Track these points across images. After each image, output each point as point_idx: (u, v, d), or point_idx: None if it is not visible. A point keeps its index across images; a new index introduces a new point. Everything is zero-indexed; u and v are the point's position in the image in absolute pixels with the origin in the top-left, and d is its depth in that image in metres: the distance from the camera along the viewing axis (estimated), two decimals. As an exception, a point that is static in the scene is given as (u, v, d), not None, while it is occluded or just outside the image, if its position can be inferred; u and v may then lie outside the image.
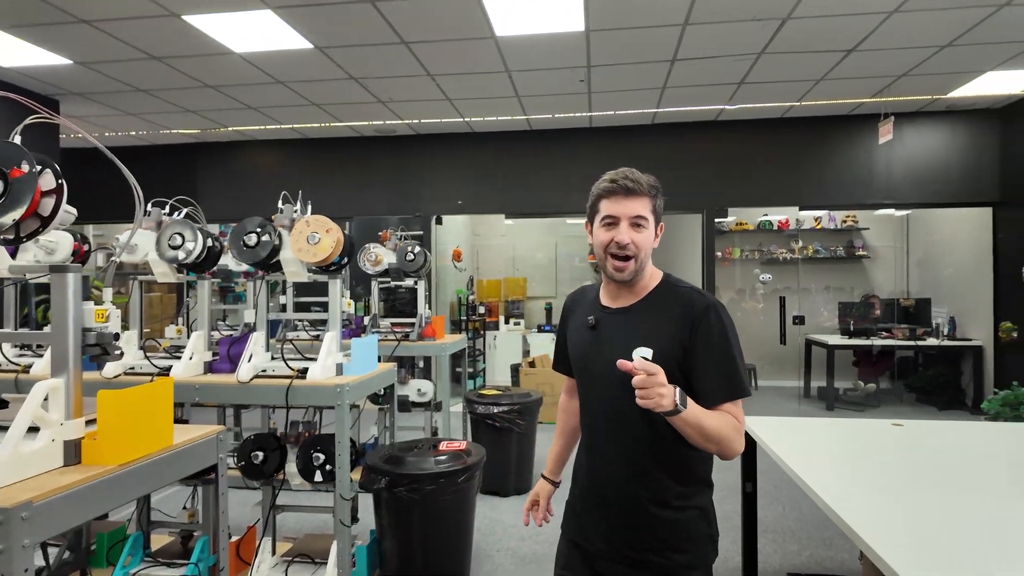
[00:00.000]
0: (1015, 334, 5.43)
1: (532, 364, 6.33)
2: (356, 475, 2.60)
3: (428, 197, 6.75)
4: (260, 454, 2.59)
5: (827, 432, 2.58)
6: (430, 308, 6.49)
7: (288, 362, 2.51)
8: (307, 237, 2.46)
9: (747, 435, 2.60)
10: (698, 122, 6.29)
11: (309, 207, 2.67)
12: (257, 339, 2.61)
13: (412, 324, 4.10)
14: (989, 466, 2.15)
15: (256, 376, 2.49)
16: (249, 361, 2.55)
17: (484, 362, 8.00)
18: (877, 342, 6.79)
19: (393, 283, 4.20)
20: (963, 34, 4.10)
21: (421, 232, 6.77)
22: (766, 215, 8.09)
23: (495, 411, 3.95)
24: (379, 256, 3.97)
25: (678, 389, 1.23)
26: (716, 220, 6.88)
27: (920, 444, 2.41)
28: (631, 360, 1.24)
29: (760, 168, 6.29)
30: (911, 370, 7.28)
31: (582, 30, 4.01)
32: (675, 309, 1.36)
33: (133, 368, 2.51)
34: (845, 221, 7.98)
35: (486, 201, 6.74)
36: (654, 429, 1.35)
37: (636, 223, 1.37)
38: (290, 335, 3.51)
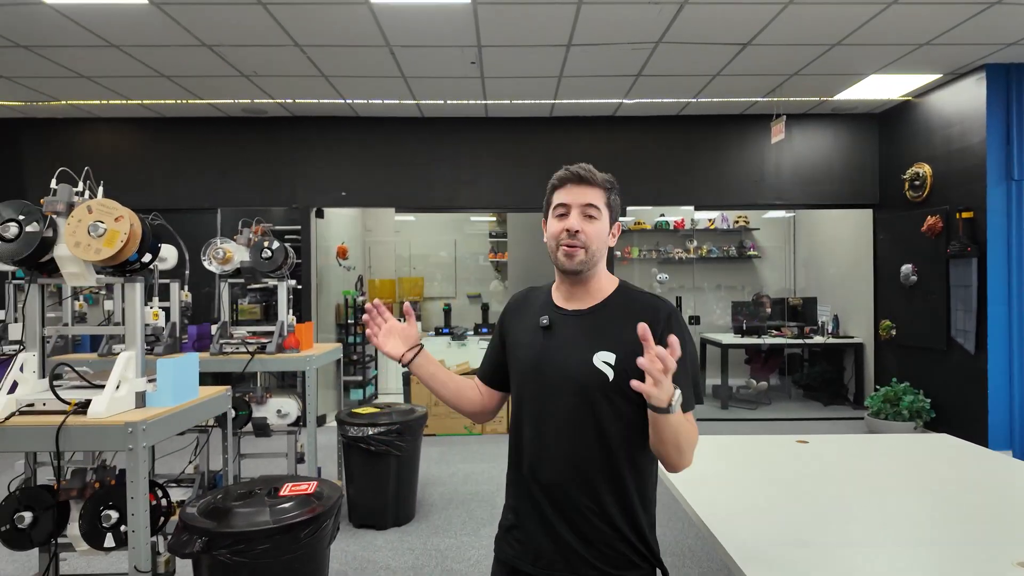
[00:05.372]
0: (894, 332, 5.61)
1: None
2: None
3: (307, 187, 6.07)
4: (27, 515, 1.95)
5: (727, 450, 2.32)
6: (298, 312, 5.85)
7: (66, 392, 1.90)
8: (88, 227, 1.85)
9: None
10: (597, 117, 6.05)
11: (100, 189, 2.06)
12: (25, 362, 1.98)
13: (271, 333, 3.51)
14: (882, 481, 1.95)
15: (17, 412, 1.86)
16: (10, 392, 1.91)
17: (376, 369, 7.40)
18: (768, 340, 6.90)
19: (249, 285, 3.58)
20: (851, 33, 4.07)
21: (299, 227, 6.08)
22: (663, 215, 8.08)
23: (370, 433, 3.43)
24: (228, 253, 3.34)
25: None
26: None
27: (822, 461, 2.19)
28: (591, 365, 1.26)
29: (657, 166, 6.16)
30: (798, 367, 7.50)
31: (468, 1, 3.58)
32: (639, 314, 1.27)
33: None
34: (737, 222, 8.12)
35: (373, 194, 6.15)
36: (607, 440, 1.28)
37: (587, 212, 1.32)
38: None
